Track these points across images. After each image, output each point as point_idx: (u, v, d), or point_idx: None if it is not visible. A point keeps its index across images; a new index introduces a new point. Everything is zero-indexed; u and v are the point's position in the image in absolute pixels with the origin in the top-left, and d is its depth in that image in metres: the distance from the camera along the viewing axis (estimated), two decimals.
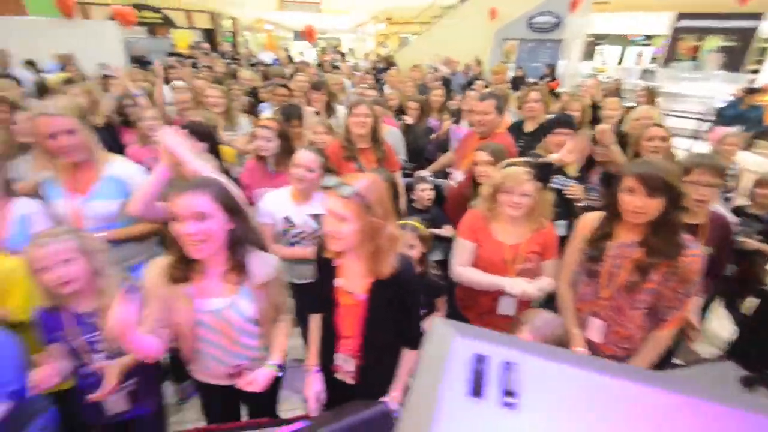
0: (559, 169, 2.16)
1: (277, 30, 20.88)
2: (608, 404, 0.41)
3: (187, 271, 1.18)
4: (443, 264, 1.92)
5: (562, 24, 8.86)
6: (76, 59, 5.50)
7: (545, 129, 2.31)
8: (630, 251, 1.34)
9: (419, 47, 11.16)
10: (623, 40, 14.03)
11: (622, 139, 2.34)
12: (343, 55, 11.23)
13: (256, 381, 1.26)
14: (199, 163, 1.42)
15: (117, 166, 1.67)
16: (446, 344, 0.47)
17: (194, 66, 6.04)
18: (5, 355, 1.16)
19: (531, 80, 6.61)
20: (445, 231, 2.17)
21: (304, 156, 1.72)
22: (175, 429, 1.79)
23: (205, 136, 2.00)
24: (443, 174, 3.17)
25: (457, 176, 2.52)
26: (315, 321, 1.43)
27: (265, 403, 1.49)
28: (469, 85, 5.10)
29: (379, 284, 1.21)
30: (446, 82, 5.62)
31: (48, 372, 1.23)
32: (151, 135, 2.25)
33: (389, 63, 7.95)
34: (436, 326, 0.52)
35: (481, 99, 2.35)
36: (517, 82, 6.71)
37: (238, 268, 1.20)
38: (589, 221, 1.48)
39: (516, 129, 2.74)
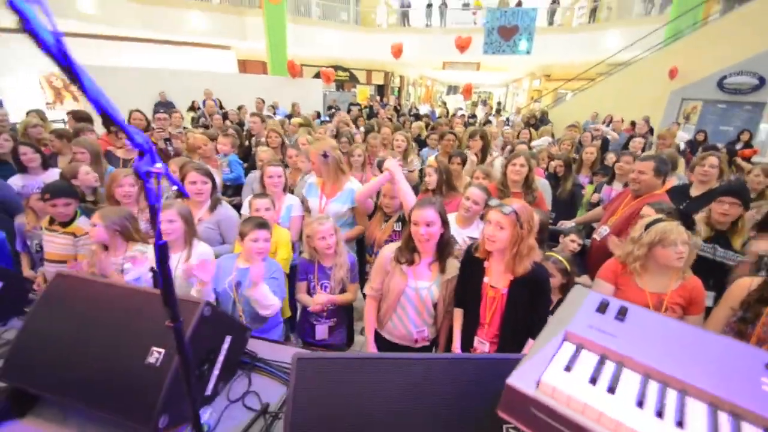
0: (726, 240, 2.13)
1: (434, 85, 23.27)
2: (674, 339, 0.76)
3: (411, 256, 1.73)
4: None
5: (767, 85, 7.58)
6: (299, 106, 7.62)
7: (713, 194, 2.24)
8: None
9: (576, 104, 10.84)
10: None
11: None
12: (498, 111, 11.82)
13: None
14: (405, 184, 2.14)
15: (354, 183, 2.57)
16: (585, 293, 0.89)
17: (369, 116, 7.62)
18: (281, 278, 1.97)
19: (716, 145, 5.63)
20: (583, 280, 2.30)
21: (474, 192, 2.14)
22: None
23: None
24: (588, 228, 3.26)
25: (602, 231, 2.67)
26: (459, 314, 1.81)
27: None
28: (627, 144, 4.96)
29: (518, 281, 1.57)
30: (604, 142, 5.58)
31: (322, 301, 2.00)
32: (357, 164, 3.20)
33: (542, 118, 8.16)
34: (577, 289, 0.94)
35: (642, 159, 2.42)
36: (695, 146, 6.05)
37: (440, 262, 1.74)
38: (746, 284, 1.52)
39: (680, 192, 2.67)
